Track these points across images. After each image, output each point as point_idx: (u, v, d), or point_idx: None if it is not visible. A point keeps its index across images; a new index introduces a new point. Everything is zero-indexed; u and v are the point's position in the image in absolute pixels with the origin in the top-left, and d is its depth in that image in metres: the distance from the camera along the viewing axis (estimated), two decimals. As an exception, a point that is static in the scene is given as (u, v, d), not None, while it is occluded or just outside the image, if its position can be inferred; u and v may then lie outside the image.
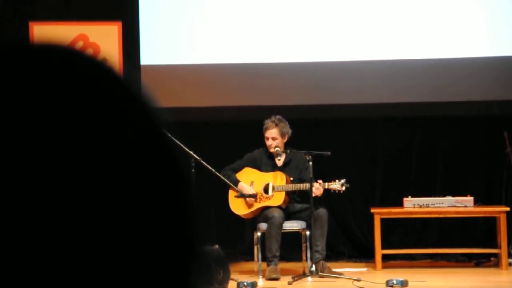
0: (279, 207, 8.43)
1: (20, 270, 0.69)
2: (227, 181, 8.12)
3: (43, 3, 9.27)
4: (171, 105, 8.53)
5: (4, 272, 0.69)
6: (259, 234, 8.46)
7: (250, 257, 8.85)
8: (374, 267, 8.82)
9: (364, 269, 8.82)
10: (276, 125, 8.41)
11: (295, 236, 8.68)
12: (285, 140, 8.49)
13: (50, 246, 0.70)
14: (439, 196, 9.02)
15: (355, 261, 9.34)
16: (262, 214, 8.43)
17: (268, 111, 8.70)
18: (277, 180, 8.48)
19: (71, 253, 0.70)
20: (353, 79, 9.37)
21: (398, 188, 9.46)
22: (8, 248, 0.69)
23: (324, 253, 8.32)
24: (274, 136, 8.41)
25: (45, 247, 0.70)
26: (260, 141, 8.57)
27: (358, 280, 7.85)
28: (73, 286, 0.70)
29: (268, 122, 8.45)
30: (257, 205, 8.47)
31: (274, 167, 8.53)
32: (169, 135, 0.77)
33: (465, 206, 8.88)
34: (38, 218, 0.70)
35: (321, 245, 8.28)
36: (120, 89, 0.76)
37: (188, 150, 7.13)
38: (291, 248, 9.00)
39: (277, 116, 8.48)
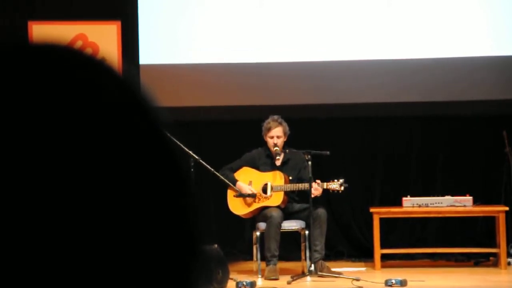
0: (278, 207, 8.43)
1: (20, 270, 0.69)
2: (226, 181, 8.12)
3: (42, 3, 9.26)
4: (171, 105, 8.53)
5: (5, 272, 0.69)
6: (258, 233, 8.46)
7: (249, 257, 8.85)
8: (373, 267, 8.82)
9: (363, 269, 8.82)
10: (280, 123, 8.45)
11: (294, 235, 8.68)
12: (285, 140, 8.51)
13: (51, 247, 0.70)
14: (438, 196, 9.02)
15: (354, 261, 9.34)
16: (261, 213, 8.43)
17: (268, 111, 8.70)
18: (276, 179, 8.48)
19: (71, 254, 0.70)
20: (353, 78, 9.37)
21: (397, 188, 9.46)
22: (9, 248, 0.69)
23: (323, 252, 8.33)
24: (279, 135, 8.44)
25: (46, 248, 0.70)
26: (259, 141, 8.57)
27: (357, 280, 7.85)
28: (74, 286, 0.70)
29: (270, 122, 8.46)
30: (256, 205, 8.46)
31: (273, 167, 8.53)
32: (169, 134, 0.77)
33: (464, 206, 8.88)
34: (38, 219, 0.70)
35: (320, 245, 8.29)
36: (120, 88, 0.76)
37: (187, 150, 7.13)
38: (290, 247, 9.00)
39: (277, 116, 8.49)
